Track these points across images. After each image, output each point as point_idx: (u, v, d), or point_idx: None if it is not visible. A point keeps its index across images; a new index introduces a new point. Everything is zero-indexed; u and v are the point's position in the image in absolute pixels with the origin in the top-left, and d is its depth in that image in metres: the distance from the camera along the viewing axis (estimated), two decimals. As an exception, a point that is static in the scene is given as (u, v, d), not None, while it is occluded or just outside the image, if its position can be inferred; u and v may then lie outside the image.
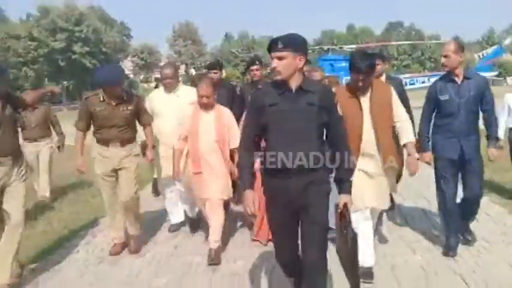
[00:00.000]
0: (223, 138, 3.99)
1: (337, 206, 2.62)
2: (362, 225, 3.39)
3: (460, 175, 3.90)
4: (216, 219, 4.01)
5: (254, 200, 2.56)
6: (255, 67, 5.32)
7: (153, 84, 44.00)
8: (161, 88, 4.74)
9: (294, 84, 2.47)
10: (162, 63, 55.87)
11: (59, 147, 6.32)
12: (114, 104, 3.96)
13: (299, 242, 2.64)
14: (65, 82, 49.86)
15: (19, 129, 4.56)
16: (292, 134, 2.46)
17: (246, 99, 4.82)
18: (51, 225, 5.17)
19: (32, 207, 5.69)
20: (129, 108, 4.03)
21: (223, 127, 4.00)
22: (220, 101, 4.27)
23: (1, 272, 3.45)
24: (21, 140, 4.37)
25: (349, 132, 2.92)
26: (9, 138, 3.52)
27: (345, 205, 2.58)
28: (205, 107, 3.99)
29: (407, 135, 3.41)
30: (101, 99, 3.96)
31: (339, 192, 2.64)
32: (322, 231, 2.59)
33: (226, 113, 4.11)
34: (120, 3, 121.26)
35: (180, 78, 4.80)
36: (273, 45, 2.46)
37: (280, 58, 2.42)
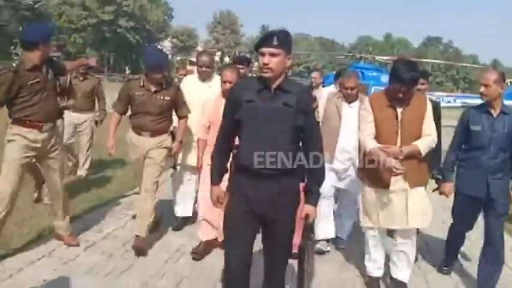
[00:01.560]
0: None
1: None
2: (403, 246, 3.37)
3: (482, 216, 3.61)
4: None
5: (219, 195, 2.58)
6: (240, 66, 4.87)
7: (189, 67, 45.64)
8: (194, 75, 4.55)
9: (275, 83, 2.37)
10: (198, 48, 57.85)
11: (96, 122, 6.06)
12: (152, 90, 3.90)
13: (251, 249, 2.48)
14: (106, 53, 52.59)
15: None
16: (264, 133, 2.36)
17: None
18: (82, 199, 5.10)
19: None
20: (165, 97, 3.93)
21: None
22: None
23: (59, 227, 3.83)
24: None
25: (381, 141, 3.15)
26: (52, 104, 3.57)
27: (307, 216, 2.50)
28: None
29: (420, 143, 3.19)
30: (141, 84, 3.91)
31: (305, 202, 2.52)
32: (288, 246, 2.54)
33: None
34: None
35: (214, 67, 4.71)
36: (266, 40, 2.34)
37: (273, 55, 2.31)
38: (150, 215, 3.94)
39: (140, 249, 3.78)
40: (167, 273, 3.47)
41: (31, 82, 3.37)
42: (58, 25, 46.21)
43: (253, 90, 2.40)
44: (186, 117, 4.11)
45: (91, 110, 6.05)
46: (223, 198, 2.58)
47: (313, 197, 2.52)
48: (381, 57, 28.53)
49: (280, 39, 2.32)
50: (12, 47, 33.92)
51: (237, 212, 2.46)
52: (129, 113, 4.05)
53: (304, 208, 2.51)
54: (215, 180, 2.60)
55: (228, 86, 3.63)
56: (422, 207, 3.28)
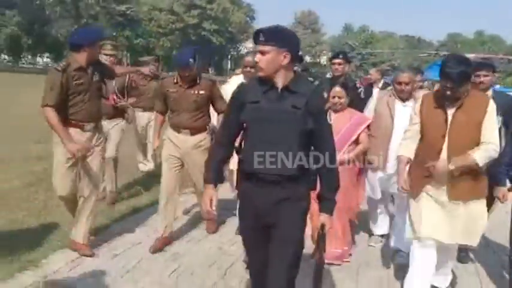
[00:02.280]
0: None
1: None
2: (442, 256, 3.11)
3: None
4: None
5: (212, 197, 2.36)
6: (337, 61, 4.95)
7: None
8: (240, 76, 4.34)
9: (280, 82, 2.21)
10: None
11: None
12: (185, 86, 3.90)
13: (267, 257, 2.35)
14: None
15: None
16: (270, 137, 2.20)
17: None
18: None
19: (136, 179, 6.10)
20: (200, 92, 3.91)
21: None
22: None
23: (76, 234, 3.73)
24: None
25: (426, 146, 2.87)
26: (94, 105, 3.64)
27: (323, 226, 2.29)
28: None
29: (477, 153, 2.78)
30: (175, 81, 3.95)
31: (320, 210, 2.34)
32: (293, 253, 2.29)
33: None
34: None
35: None
36: (254, 38, 2.23)
37: (262, 52, 2.18)
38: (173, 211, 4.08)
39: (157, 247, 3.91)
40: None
41: (75, 82, 3.46)
42: (148, 29, 49.19)
43: (258, 90, 2.25)
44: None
45: None
46: (215, 201, 2.38)
47: (327, 204, 2.33)
48: (468, 54, 28.07)
49: (267, 35, 2.19)
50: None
51: (246, 229, 2.46)
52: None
53: (320, 217, 2.32)
54: (210, 180, 2.40)
55: (248, 70, 3.99)
56: (472, 224, 2.91)
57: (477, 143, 2.80)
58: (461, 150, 2.78)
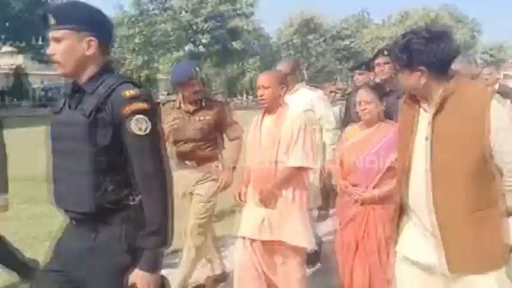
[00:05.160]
0: None
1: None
2: None
3: None
4: None
5: None
6: (381, 60, 3.42)
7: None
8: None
9: (81, 81, 1.64)
10: (510, 61, 55.29)
11: None
12: (190, 111, 3.32)
13: None
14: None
15: None
16: (61, 161, 1.66)
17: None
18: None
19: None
20: (206, 117, 3.30)
21: None
22: None
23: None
24: None
25: (399, 169, 1.87)
26: None
27: (134, 285, 1.58)
28: None
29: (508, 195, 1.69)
30: (178, 105, 3.39)
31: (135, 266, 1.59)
32: None
33: None
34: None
35: None
36: (43, 20, 1.62)
37: (57, 40, 1.59)
38: (191, 265, 3.29)
39: None
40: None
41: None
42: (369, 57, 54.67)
43: (65, 95, 1.70)
44: (237, 138, 3.43)
45: None
46: None
47: (145, 256, 1.57)
48: None
49: (61, 14, 1.58)
50: (332, 83, 43.52)
51: (44, 271, 1.80)
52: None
53: (133, 274, 1.58)
54: None
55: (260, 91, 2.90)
56: None
57: (475, 165, 1.66)
58: (446, 177, 1.68)
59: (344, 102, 4.74)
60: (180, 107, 3.41)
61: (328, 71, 49.34)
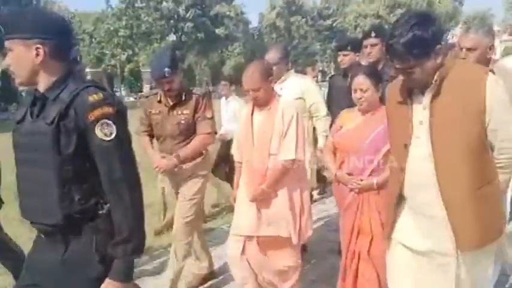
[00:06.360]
0: None
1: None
2: None
3: None
4: None
5: None
6: (369, 42, 3.37)
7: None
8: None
9: (42, 89, 1.60)
10: (496, 28, 55.31)
11: None
12: (169, 105, 3.17)
13: None
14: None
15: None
16: (25, 171, 1.62)
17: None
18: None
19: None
20: (184, 112, 3.15)
21: None
22: None
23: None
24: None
25: (396, 161, 1.87)
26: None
27: None
28: None
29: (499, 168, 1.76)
30: (158, 99, 3.23)
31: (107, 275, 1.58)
32: None
33: None
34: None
35: None
36: None
37: (9, 50, 1.56)
38: (179, 264, 3.24)
39: None
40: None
41: None
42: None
43: (27, 104, 1.65)
44: (207, 133, 3.20)
45: None
46: None
47: (116, 267, 1.56)
48: None
49: (8, 24, 1.55)
50: (312, 68, 42.89)
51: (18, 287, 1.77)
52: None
53: (103, 285, 1.56)
54: None
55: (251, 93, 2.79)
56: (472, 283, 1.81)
57: (475, 144, 1.70)
58: (448, 158, 1.71)
59: (326, 84, 4.69)
60: (160, 101, 3.25)
61: (309, 53, 49.22)
